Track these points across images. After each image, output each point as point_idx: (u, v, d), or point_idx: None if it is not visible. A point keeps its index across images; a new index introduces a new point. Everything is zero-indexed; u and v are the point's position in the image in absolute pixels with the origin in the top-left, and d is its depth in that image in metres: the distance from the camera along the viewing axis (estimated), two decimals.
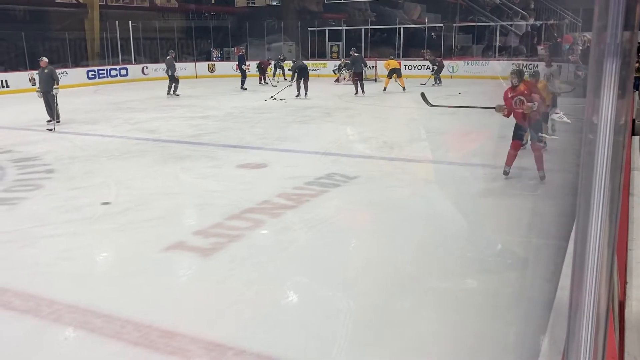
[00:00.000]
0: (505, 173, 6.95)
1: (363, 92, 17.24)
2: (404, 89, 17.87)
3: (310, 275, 4.37)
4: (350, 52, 18.77)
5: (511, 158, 6.86)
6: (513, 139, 6.88)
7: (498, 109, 6.81)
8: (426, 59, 21.86)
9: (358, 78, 17.71)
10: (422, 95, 7.59)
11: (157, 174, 7.67)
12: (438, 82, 19.93)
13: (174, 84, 18.00)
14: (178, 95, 17.85)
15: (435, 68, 20.00)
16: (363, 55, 22.19)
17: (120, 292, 4.06)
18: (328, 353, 3.27)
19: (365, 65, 19.41)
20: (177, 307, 3.85)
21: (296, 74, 16.74)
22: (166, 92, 18.00)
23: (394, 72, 18.24)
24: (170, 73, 17.99)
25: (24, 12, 23.46)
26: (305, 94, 16.71)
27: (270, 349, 3.27)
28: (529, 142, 7.38)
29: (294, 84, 16.79)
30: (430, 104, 7.33)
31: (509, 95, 6.76)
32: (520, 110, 6.59)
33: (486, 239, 5.01)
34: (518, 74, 6.92)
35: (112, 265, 4.85)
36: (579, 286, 0.99)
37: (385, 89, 18.14)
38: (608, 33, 0.88)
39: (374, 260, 4.64)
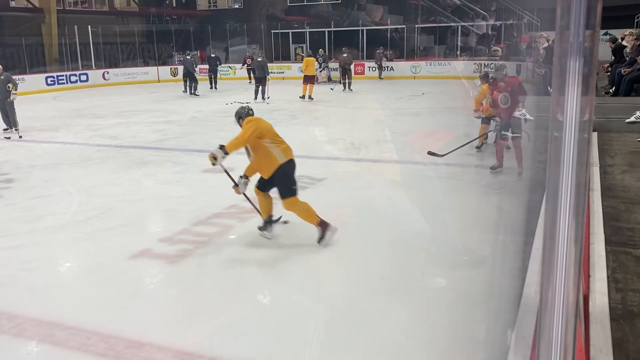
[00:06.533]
0: (493, 168, 7.18)
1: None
2: (304, 96, 16.34)
3: (279, 280, 4.35)
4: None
5: (501, 153, 7.19)
6: (499, 138, 7.15)
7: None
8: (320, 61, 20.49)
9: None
10: (430, 153, 7.68)
11: (121, 180, 7.52)
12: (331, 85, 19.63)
13: (194, 83, 18.95)
14: (198, 95, 18.72)
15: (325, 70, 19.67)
16: (328, 56, 22.52)
17: (85, 303, 3.96)
18: (299, 358, 3.26)
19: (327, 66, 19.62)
20: (145, 316, 3.77)
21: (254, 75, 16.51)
22: (187, 90, 19.03)
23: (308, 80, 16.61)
24: (192, 71, 18.96)
25: None
26: (264, 97, 16.13)
27: (240, 356, 3.23)
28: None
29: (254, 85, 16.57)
30: (440, 155, 7.49)
31: (494, 92, 7.08)
32: (505, 107, 6.79)
33: (454, 237, 5.07)
34: (501, 68, 7.25)
35: (76, 275, 4.73)
36: (548, 281, 1.00)
37: (305, 96, 16.34)
38: (570, 32, 0.89)
39: (344, 262, 4.65)
